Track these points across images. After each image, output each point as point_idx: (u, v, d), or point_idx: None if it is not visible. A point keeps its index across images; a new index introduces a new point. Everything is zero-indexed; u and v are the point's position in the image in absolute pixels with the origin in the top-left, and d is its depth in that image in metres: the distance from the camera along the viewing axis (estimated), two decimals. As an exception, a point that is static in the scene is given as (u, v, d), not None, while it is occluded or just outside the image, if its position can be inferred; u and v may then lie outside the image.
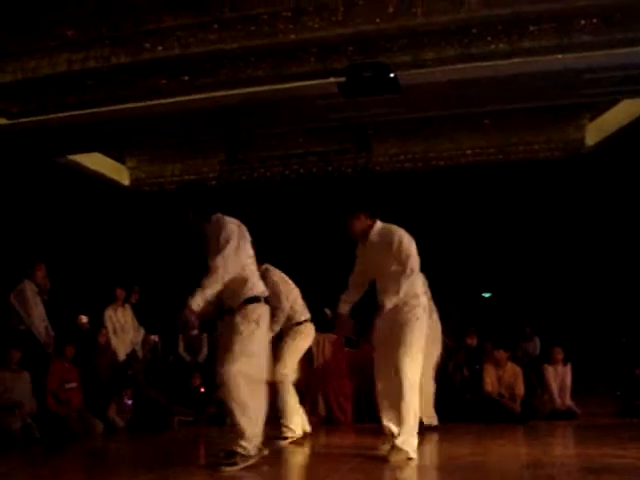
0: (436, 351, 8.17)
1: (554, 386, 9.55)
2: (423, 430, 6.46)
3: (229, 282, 5.29)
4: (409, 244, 5.86)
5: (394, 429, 5.62)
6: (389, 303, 5.74)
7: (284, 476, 5.58)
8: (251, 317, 5.35)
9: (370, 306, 6.07)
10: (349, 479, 4.99)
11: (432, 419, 8.12)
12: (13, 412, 8.18)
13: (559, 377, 9.65)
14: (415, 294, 5.92)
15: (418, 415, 5.68)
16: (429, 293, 7.18)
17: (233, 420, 5.24)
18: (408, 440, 5.51)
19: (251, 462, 5.14)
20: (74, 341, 9.54)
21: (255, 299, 5.44)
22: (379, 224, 6.05)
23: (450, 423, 8.53)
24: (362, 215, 6.02)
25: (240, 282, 5.39)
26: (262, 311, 5.46)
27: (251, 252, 5.53)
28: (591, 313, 14.22)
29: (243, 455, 5.13)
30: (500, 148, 13.96)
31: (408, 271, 5.73)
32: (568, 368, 9.73)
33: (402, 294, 5.74)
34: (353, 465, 5.19)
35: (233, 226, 5.43)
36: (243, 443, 5.13)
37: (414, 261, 5.80)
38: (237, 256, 5.31)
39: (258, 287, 5.53)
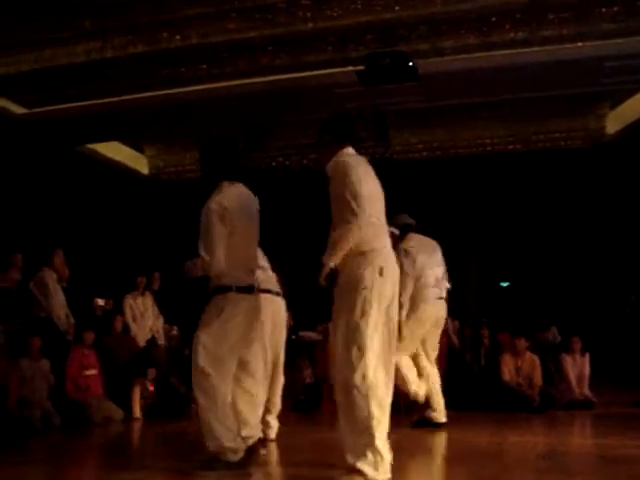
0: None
1: (572, 376, 9.50)
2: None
3: None
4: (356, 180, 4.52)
5: None
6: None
7: (298, 465, 5.58)
8: None
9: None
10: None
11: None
12: (34, 399, 8.26)
13: (577, 367, 9.60)
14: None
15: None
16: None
17: None
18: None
19: None
20: (93, 327, 9.60)
21: None
22: (343, 153, 4.77)
23: (468, 412, 8.52)
24: (326, 137, 4.89)
25: None
26: None
27: None
28: (611, 303, 14.15)
29: None
30: (520, 137, 13.88)
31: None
32: (586, 358, 9.66)
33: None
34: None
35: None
36: None
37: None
38: None
39: None
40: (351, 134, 4.92)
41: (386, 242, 4.64)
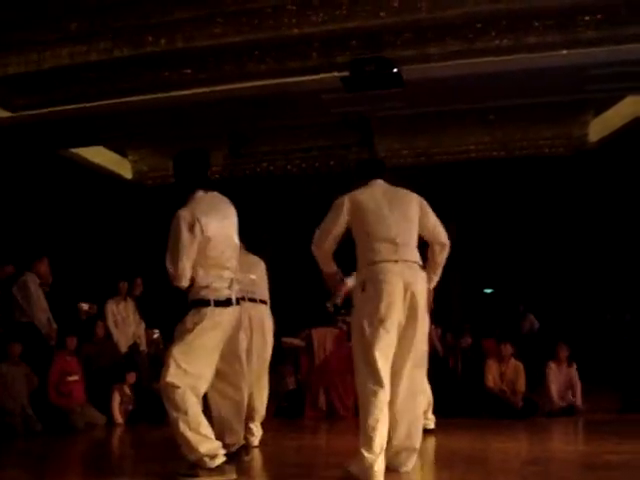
0: None
1: (554, 385, 9.44)
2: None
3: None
4: None
5: None
6: None
7: (282, 470, 5.56)
8: None
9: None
10: (350, 475, 4.97)
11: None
12: (14, 405, 8.21)
13: (562, 376, 9.52)
14: None
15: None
16: None
17: None
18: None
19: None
20: (76, 332, 9.55)
21: None
22: (366, 185, 5.30)
23: (451, 418, 8.51)
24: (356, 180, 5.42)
25: None
26: None
27: None
28: (594, 310, 14.22)
29: None
30: (504, 144, 13.92)
31: None
32: (573, 369, 9.57)
33: None
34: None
35: None
36: None
37: None
38: None
39: None
40: (374, 171, 5.33)
41: (375, 255, 4.84)
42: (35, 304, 9.23)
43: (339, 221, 5.00)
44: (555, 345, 9.85)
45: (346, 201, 5.03)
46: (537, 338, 13.47)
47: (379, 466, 4.59)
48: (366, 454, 4.58)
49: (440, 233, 5.21)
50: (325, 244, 5.03)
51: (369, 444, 4.59)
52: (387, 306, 4.69)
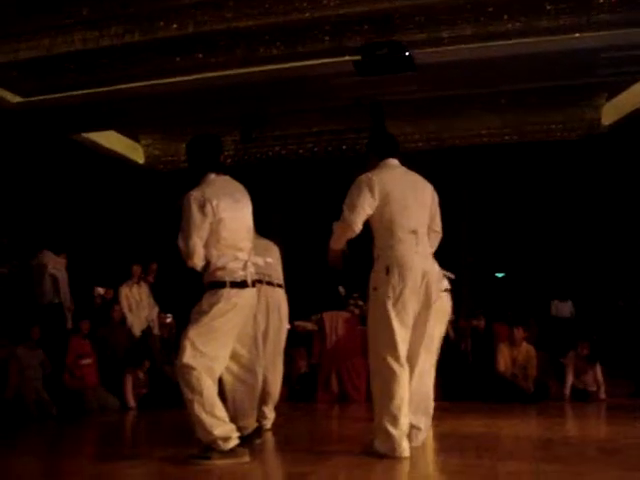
0: None
1: (570, 377, 9.37)
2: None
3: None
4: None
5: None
6: None
7: (294, 454, 5.59)
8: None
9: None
10: (361, 458, 5.00)
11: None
12: (30, 388, 8.27)
13: (580, 369, 9.42)
14: None
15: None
16: None
17: None
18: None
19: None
20: (90, 316, 9.61)
21: None
22: (381, 165, 5.28)
23: (462, 402, 8.53)
24: (370, 154, 5.41)
25: None
26: None
27: None
28: (606, 295, 14.17)
29: None
30: (516, 128, 13.88)
31: None
32: (597, 367, 9.45)
33: None
34: (365, 444, 5.19)
35: None
36: None
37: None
38: None
39: None
40: (390, 149, 5.32)
41: (398, 244, 4.96)
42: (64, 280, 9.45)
43: (373, 203, 4.99)
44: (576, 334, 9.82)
45: (375, 183, 5.01)
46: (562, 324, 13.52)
47: (406, 442, 4.79)
48: (393, 431, 4.76)
49: (438, 222, 5.35)
50: (359, 224, 5.02)
51: (396, 421, 4.76)
52: (410, 291, 4.86)
